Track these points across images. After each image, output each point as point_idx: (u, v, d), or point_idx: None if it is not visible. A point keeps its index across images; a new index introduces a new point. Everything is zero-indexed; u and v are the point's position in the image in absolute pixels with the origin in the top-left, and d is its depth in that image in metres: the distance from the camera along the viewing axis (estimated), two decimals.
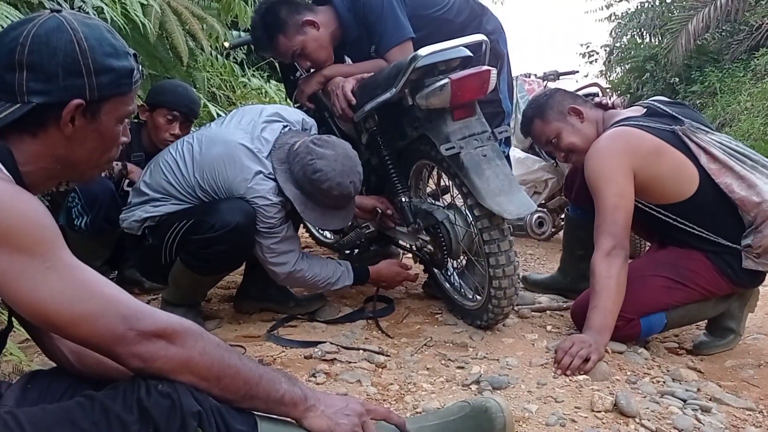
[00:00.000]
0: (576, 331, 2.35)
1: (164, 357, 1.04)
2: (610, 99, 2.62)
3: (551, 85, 4.89)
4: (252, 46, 3.35)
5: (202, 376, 1.06)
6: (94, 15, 2.51)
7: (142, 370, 1.04)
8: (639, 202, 2.27)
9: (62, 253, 1.01)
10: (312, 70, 2.73)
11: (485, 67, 2.19)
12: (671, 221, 2.28)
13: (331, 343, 2.19)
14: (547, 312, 2.66)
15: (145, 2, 2.97)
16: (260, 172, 2.23)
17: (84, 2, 2.59)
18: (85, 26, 1.11)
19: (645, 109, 2.42)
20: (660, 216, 2.30)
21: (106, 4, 2.68)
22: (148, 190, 2.32)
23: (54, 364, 1.30)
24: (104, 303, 1.01)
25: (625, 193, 2.23)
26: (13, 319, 1.24)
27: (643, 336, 2.32)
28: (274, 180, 2.24)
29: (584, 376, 1.95)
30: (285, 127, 2.38)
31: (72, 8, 2.49)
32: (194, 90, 3.09)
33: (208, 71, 4.43)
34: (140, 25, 2.87)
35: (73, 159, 1.16)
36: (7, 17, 2.08)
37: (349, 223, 2.74)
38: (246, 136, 2.28)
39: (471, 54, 2.23)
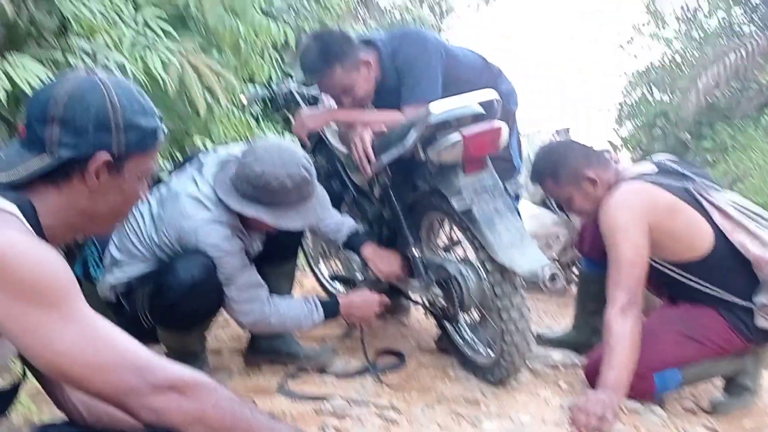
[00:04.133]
0: (592, 389, 2.31)
1: (177, 410, 1.03)
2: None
3: None
4: (268, 101, 3.42)
5: (214, 429, 1.06)
6: (117, 71, 2.58)
7: (155, 422, 1.04)
8: (651, 259, 2.27)
9: (78, 305, 1.03)
10: (318, 105, 2.80)
11: (497, 124, 2.23)
12: (684, 279, 2.27)
13: (342, 398, 2.17)
14: (561, 368, 2.62)
15: (166, 59, 3.06)
16: (209, 220, 2.11)
17: (107, 59, 2.67)
18: (117, 86, 1.16)
19: (655, 166, 2.44)
20: (672, 273, 2.29)
21: (129, 61, 2.76)
22: (116, 251, 2.24)
23: (64, 417, 1.29)
24: (118, 354, 1.02)
25: (641, 249, 2.22)
26: (26, 370, 1.25)
27: (658, 393, 2.28)
28: (221, 223, 2.12)
29: None
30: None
31: (95, 64, 2.56)
32: None
33: (225, 124, 4.51)
34: (160, 80, 2.95)
35: (94, 212, 1.18)
36: (33, 72, 2.15)
37: (362, 277, 2.74)
38: (193, 184, 2.17)
39: (483, 111, 2.27)
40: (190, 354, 2.33)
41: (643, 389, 2.22)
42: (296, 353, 2.56)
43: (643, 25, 14.41)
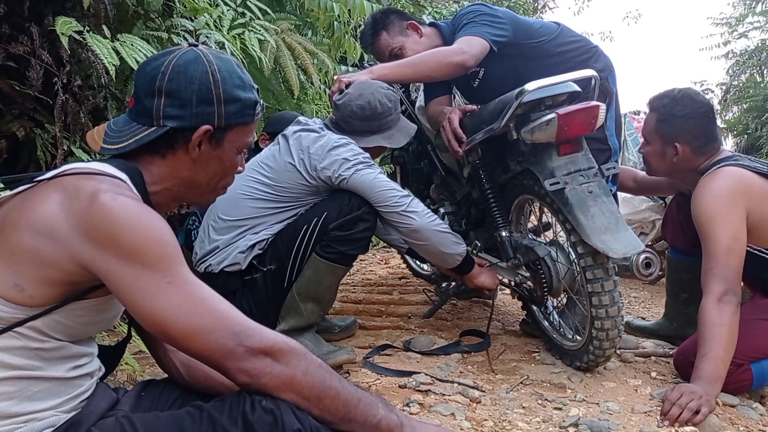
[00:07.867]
0: (682, 379, 2.23)
1: (269, 374, 1.08)
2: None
3: None
4: None
5: (303, 395, 1.10)
6: (217, 49, 2.67)
7: (248, 385, 1.09)
8: (748, 246, 2.14)
9: (182, 270, 1.08)
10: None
11: (594, 103, 2.16)
12: None
13: (426, 374, 2.19)
14: (652, 358, 2.53)
15: (263, 38, 3.14)
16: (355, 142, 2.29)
17: (207, 38, 2.76)
18: (219, 59, 1.21)
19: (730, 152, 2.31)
20: None
21: (228, 40, 2.85)
22: (236, 223, 2.25)
23: (165, 375, 1.37)
24: (217, 318, 1.07)
25: (739, 236, 2.11)
26: (132, 330, 1.33)
27: (756, 385, 2.17)
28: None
29: (692, 428, 1.84)
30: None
31: (197, 42, 2.66)
32: None
33: (317, 104, 4.59)
34: (257, 59, 3.03)
35: (195, 181, 1.24)
36: (141, 50, 2.26)
37: None
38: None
39: (579, 89, 2.20)
40: (306, 327, 2.32)
41: (740, 380, 2.12)
42: (330, 328, 2.60)
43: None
